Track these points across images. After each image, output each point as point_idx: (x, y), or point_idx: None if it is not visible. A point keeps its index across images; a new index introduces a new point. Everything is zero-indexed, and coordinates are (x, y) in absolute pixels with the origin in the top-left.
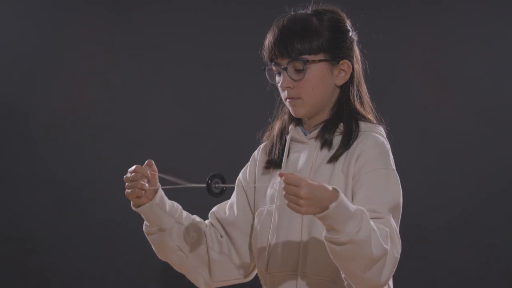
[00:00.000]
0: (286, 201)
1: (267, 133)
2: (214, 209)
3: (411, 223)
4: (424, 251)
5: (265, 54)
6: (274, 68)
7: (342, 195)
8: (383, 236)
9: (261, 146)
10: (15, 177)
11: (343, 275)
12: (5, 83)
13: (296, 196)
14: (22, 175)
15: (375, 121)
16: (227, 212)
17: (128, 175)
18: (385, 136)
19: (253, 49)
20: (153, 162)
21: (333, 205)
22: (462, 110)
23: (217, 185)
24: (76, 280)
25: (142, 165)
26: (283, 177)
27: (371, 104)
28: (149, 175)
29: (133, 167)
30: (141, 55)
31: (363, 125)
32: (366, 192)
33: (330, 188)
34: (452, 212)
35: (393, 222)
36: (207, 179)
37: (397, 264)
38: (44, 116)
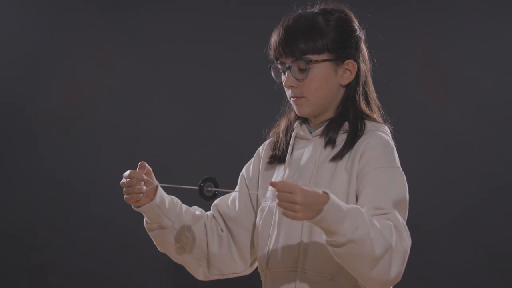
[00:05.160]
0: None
1: (273, 130)
2: (216, 201)
3: (411, 223)
4: (424, 251)
5: (271, 52)
6: (279, 66)
7: (332, 196)
8: (387, 231)
9: (266, 142)
10: (15, 176)
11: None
12: (5, 83)
13: (292, 203)
14: (22, 174)
15: (381, 121)
16: (229, 206)
17: (124, 180)
18: (390, 135)
19: (253, 48)
20: (145, 163)
21: (326, 207)
22: (462, 109)
23: (209, 189)
24: (76, 279)
25: (136, 168)
26: (276, 187)
27: (378, 103)
28: (145, 178)
29: (127, 172)
30: (141, 55)
31: (368, 124)
32: (371, 191)
33: (321, 192)
34: (452, 212)
35: (400, 216)
36: (200, 182)
37: (407, 256)
38: (44, 116)
